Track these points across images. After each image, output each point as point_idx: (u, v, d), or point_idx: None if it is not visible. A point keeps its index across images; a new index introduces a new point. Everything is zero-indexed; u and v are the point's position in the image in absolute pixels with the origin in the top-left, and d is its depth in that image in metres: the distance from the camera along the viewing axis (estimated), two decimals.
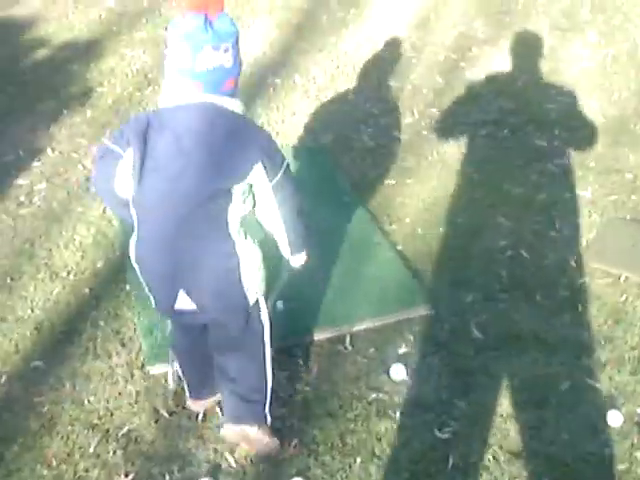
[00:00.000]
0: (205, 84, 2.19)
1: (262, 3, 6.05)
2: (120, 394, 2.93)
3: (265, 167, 2.23)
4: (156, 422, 2.83)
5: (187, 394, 2.86)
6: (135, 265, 2.41)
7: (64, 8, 6.09)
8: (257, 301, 2.46)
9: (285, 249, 2.48)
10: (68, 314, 3.29)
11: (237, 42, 2.23)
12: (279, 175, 2.26)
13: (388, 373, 3.00)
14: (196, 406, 2.85)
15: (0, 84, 5.03)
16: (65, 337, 3.18)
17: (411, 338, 3.16)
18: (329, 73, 5.11)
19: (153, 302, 2.52)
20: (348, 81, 5.01)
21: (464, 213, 3.84)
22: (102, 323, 3.24)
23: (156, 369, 3.01)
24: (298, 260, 2.54)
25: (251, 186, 2.28)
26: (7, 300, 3.36)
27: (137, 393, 2.93)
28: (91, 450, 2.73)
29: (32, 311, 3.30)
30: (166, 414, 2.85)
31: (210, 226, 2.26)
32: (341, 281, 3.40)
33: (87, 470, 2.68)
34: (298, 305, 3.23)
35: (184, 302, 2.34)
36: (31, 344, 3.15)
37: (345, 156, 4.30)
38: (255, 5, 6.02)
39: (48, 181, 4.15)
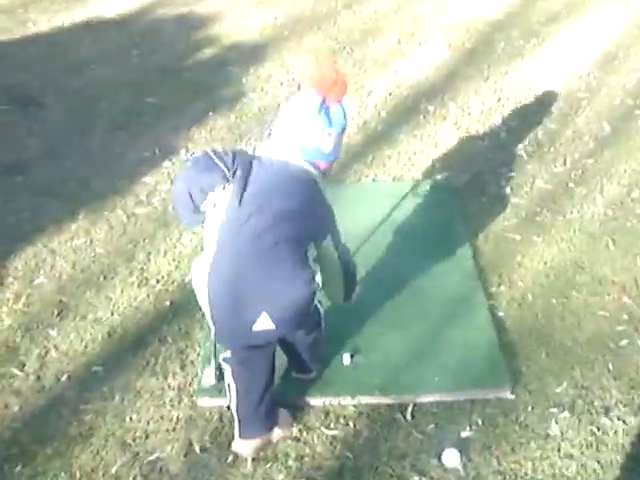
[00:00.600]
0: (303, 154, 2.45)
1: (440, 21, 5.76)
2: (162, 418, 2.86)
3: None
4: (185, 456, 2.73)
5: (237, 433, 2.71)
6: (202, 290, 2.45)
7: (245, 8, 6.13)
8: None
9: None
10: (142, 324, 3.29)
11: (342, 133, 2.49)
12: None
13: (440, 457, 2.68)
14: (244, 447, 2.71)
15: (161, 80, 5.13)
16: (132, 347, 3.16)
17: (479, 421, 2.81)
18: (487, 105, 4.76)
19: (214, 329, 2.52)
20: (505, 117, 4.64)
21: (587, 289, 3.39)
22: (170, 339, 3.19)
23: (204, 402, 2.93)
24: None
25: None
26: (93, 298, 3.40)
27: (177, 420, 2.85)
28: (113, 470, 2.67)
29: (112, 314, 3.32)
30: (198, 449, 2.74)
31: (296, 257, 2.41)
32: (421, 340, 3.13)
33: None
34: (367, 360, 3.04)
35: (265, 323, 2.40)
36: (99, 348, 3.17)
37: (475, 200, 3.95)
38: (432, 24, 5.75)
39: (172, 183, 4.15)
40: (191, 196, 2.42)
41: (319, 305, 2.72)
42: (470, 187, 4.07)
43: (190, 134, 4.61)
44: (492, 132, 4.53)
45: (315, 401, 2.88)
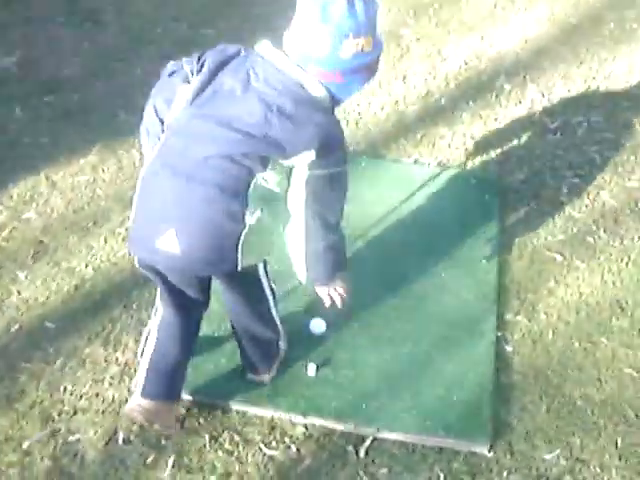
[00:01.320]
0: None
1: None
2: (97, 395, 2.62)
3: (316, 156, 1.99)
4: (106, 444, 2.49)
5: (138, 390, 2.42)
6: (137, 186, 2.16)
7: None
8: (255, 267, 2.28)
9: (299, 268, 2.22)
10: (113, 283, 3.04)
11: (344, 35, 1.93)
12: (323, 171, 2.03)
13: None
14: (139, 409, 2.40)
15: (226, 12, 4.83)
16: (93, 307, 2.92)
17: (440, 476, 2.40)
18: (572, 94, 4.16)
19: (130, 235, 2.24)
20: (589, 110, 4.03)
21: (620, 337, 2.92)
22: (134, 307, 2.97)
23: None
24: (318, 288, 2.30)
25: (291, 170, 2.05)
26: (74, 245, 3.19)
27: (112, 401, 2.60)
28: (26, 445, 2.47)
29: (86, 266, 3.10)
30: (121, 440, 2.47)
31: (230, 182, 2.02)
32: (403, 364, 2.74)
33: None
34: (334, 375, 2.68)
35: (169, 243, 2.06)
36: (60, 301, 2.94)
37: (523, 203, 3.46)
38: None
39: None
40: (155, 110, 2.15)
41: (266, 283, 2.39)
42: (522, 187, 3.55)
43: None
44: (569, 126, 3.95)
45: (262, 411, 2.55)
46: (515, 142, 3.80)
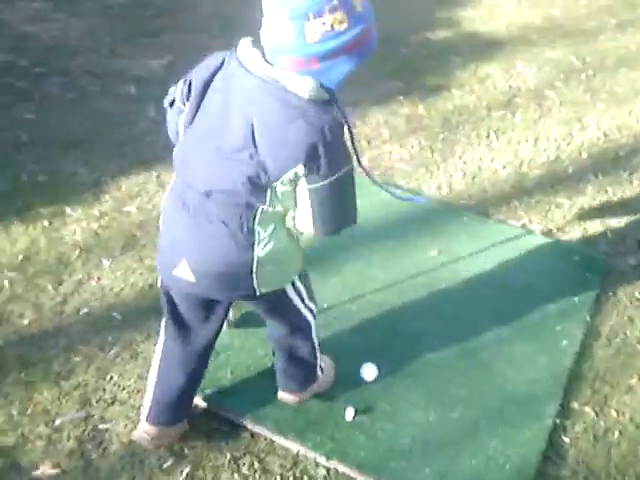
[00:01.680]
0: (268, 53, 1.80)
1: None
2: (137, 391, 2.66)
3: (307, 170, 1.81)
4: (131, 440, 2.47)
5: (144, 414, 2.44)
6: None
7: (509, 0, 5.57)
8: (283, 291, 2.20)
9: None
10: None
11: (304, 15, 1.70)
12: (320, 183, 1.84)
13: None
14: (145, 435, 2.42)
15: None
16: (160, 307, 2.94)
17: None
18: None
19: (157, 258, 2.24)
20: None
21: None
22: None
23: None
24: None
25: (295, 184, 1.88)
26: None
27: (139, 408, 2.58)
28: (58, 422, 2.57)
29: None
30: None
31: (233, 216, 1.95)
32: (446, 428, 2.61)
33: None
34: (370, 425, 2.58)
35: (184, 272, 2.06)
36: (133, 296, 3.06)
37: (624, 291, 3.21)
38: None
39: None
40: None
41: (298, 301, 2.30)
42: (630, 273, 3.32)
43: (369, 111, 4.29)
44: None
45: (288, 443, 2.49)
46: (636, 225, 3.54)
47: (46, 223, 3.32)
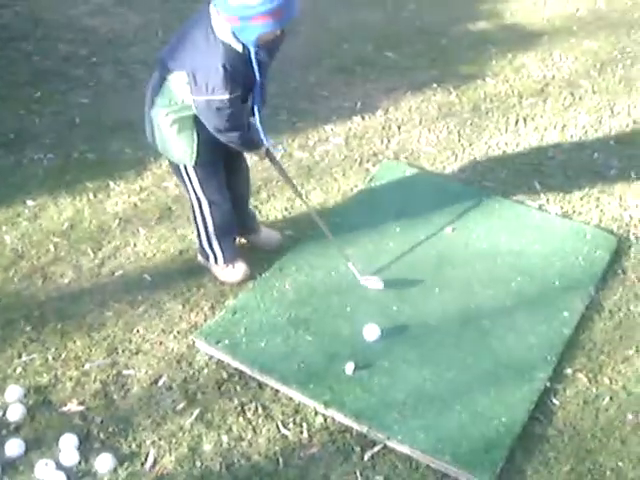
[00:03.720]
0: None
1: None
2: (160, 344, 2.96)
3: (191, 80, 2.58)
4: (150, 385, 2.77)
5: (220, 260, 3.12)
6: None
7: None
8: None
9: None
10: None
11: None
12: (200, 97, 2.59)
13: None
14: (233, 272, 3.12)
15: (414, 39, 5.11)
16: (187, 270, 3.26)
17: None
18: None
19: None
20: None
21: None
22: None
23: (201, 345, 2.90)
24: None
25: None
26: None
27: (170, 352, 2.90)
28: (87, 366, 2.85)
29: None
30: (162, 386, 2.75)
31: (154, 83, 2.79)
32: (437, 385, 2.78)
33: None
34: (368, 377, 2.80)
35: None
36: (163, 259, 3.34)
37: (635, 270, 3.31)
38: None
39: (337, 139, 4.08)
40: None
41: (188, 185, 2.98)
42: None
43: (402, 98, 4.42)
44: None
45: (291, 392, 2.72)
46: None
47: (91, 196, 3.64)
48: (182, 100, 2.69)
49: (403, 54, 4.90)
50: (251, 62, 2.54)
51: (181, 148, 2.81)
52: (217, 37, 2.50)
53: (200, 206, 2.99)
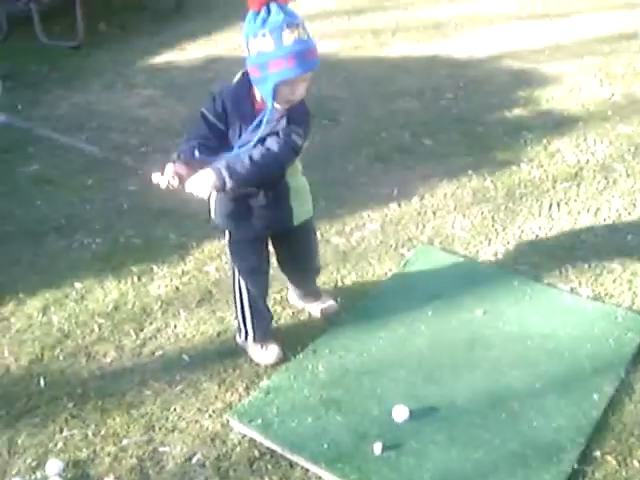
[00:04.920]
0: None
1: None
2: (196, 422, 3.05)
3: None
4: (184, 462, 2.85)
5: (250, 339, 3.25)
6: None
7: (587, 78, 5.88)
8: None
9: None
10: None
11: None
12: None
13: None
14: (266, 353, 3.23)
15: (451, 127, 5.29)
16: (223, 351, 3.37)
17: None
18: None
19: None
20: None
21: None
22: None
23: (235, 424, 2.99)
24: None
25: None
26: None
27: (205, 430, 2.99)
28: (125, 442, 2.92)
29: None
30: (195, 462, 2.85)
31: None
32: (466, 468, 2.80)
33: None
34: (396, 459, 2.84)
35: None
36: (202, 341, 3.46)
37: None
38: None
39: (376, 226, 4.22)
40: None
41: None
42: None
43: (437, 185, 4.56)
44: None
45: (320, 471, 2.80)
46: None
47: (135, 279, 3.82)
48: None
49: (439, 142, 5.06)
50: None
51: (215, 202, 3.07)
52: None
53: (233, 275, 3.17)
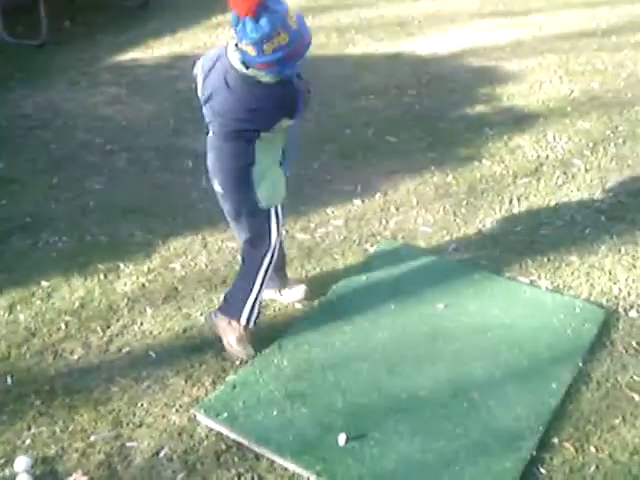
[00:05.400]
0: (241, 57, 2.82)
1: None
2: (163, 417, 3.08)
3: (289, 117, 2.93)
4: (151, 456, 2.89)
5: (252, 323, 3.30)
6: None
7: (549, 76, 5.98)
8: (268, 211, 3.16)
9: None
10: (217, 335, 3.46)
11: (262, 42, 2.67)
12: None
13: None
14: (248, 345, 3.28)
15: (413, 124, 5.28)
16: (190, 347, 3.40)
17: None
18: None
19: None
20: None
21: None
22: (225, 354, 3.32)
23: (202, 418, 3.03)
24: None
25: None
26: (200, 297, 3.70)
27: (172, 425, 3.02)
28: (92, 438, 2.95)
29: (200, 314, 3.57)
30: (163, 456, 2.89)
31: (236, 143, 3.02)
32: (429, 457, 2.88)
33: None
34: (360, 449, 2.90)
35: (217, 186, 3.16)
36: (167, 337, 3.48)
37: (622, 341, 3.43)
38: None
39: (339, 222, 4.27)
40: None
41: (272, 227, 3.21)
42: (630, 325, 3.52)
43: (400, 181, 4.63)
44: None
45: (286, 463, 2.84)
46: None
47: (102, 276, 3.84)
48: None
49: (403, 138, 5.14)
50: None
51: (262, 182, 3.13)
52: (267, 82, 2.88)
53: (273, 253, 3.23)
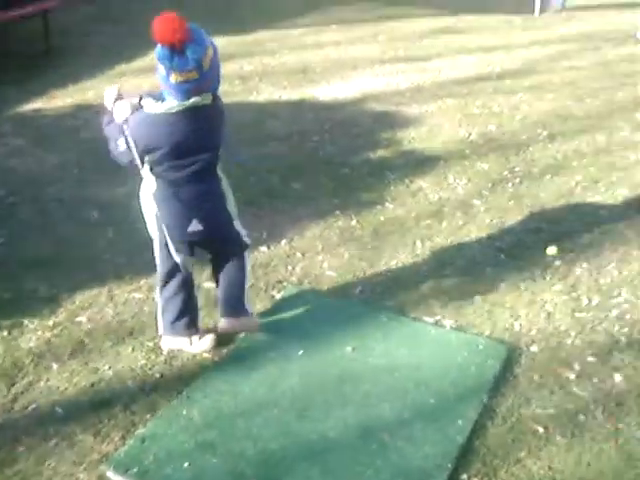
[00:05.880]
0: None
1: None
2: (71, 475, 3.00)
3: None
4: None
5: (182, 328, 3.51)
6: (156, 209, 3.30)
7: (447, 120, 6.17)
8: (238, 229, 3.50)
9: None
10: (127, 389, 3.49)
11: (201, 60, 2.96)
12: None
13: None
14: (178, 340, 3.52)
15: (319, 169, 5.45)
16: (100, 404, 3.34)
17: None
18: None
19: (168, 234, 3.33)
20: None
21: None
22: (135, 409, 3.27)
23: (112, 475, 2.99)
24: None
25: None
26: (107, 350, 3.63)
27: None
28: None
29: (109, 368, 3.52)
30: None
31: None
32: None
33: None
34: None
35: (195, 226, 3.26)
36: (76, 394, 3.41)
37: (524, 375, 3.55)
38: None
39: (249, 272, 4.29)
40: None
41: (242, 233, 3.54)
42: (530, 359, 3.65)
43: (306, 227, 4.70)
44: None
45: None
46: (543, 316, 3.91)
47: (5, 333, 3.75)
48: None
49: (307, 184, 5.24)
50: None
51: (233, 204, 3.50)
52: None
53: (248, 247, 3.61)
